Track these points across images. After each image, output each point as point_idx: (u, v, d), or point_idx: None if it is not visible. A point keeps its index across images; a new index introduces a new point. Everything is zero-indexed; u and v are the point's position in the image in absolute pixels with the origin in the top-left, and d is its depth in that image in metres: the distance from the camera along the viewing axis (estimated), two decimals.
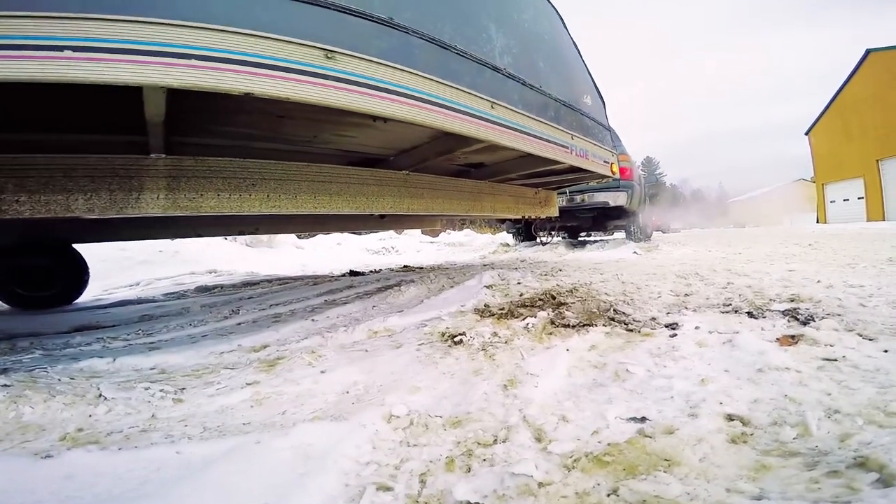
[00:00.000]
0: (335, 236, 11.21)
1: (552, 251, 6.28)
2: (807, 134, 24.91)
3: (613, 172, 3.63)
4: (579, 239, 8.05)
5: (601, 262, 4.19)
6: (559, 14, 3.38)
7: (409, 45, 1.94)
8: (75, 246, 4.02)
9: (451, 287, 2.74)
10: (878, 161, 19.64)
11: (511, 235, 8.64)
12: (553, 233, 7.70)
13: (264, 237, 9.02)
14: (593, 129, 3.42)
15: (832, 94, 22.60)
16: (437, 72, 2.03)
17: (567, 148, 2.95)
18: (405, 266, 5.86)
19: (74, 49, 1.25)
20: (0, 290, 3.49)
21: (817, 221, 23.74)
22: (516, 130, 2.49)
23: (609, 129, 3.77)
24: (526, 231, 8.12)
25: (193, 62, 1.38)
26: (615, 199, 5.41)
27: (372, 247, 9.93)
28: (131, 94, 1.43)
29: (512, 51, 2.62)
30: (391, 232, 11.56)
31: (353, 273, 5.14)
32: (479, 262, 5.52)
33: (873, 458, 0.74)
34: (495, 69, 2.43)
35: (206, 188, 2.10)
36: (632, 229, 6.12)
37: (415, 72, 1.91)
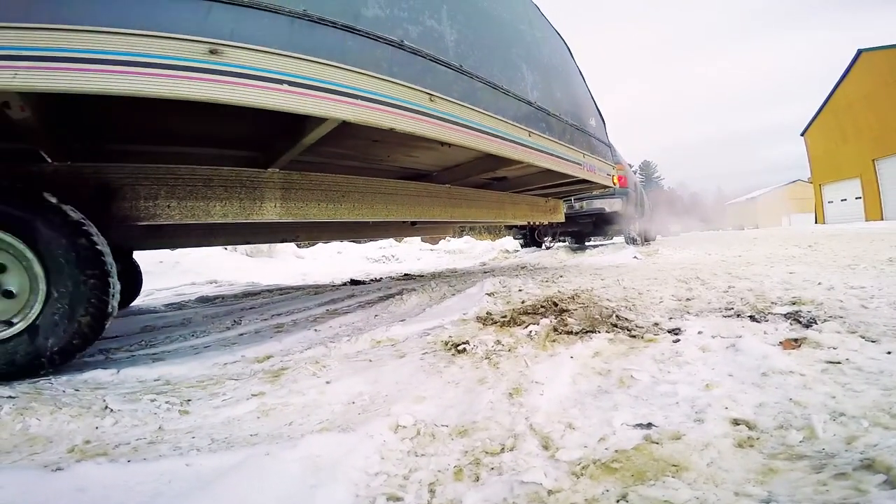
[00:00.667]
0: (335, 245, 11.22)
1: (552, 257, 6.29)
2: (802, 135, 25.03)
3: (614, 183, 4.19)
4: (579, 245, 8.29)
5: (602, 267, 4.20)
6: (568, 47, 3.94)
7: (474, 88, 2.48)
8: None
9: (453, 295, 2.75)
10: (874, 161, 19.72)
11: (518, 241, 9.09)
12: (560, 238, 8.12)
13: (264, 247, 9.04)
14: (598, 147, 3.96)
15: (826, 94, 22.75)
16: (491, 108, 2.55)
17: (580, 165, 3.52)
18: (406, 274, 5.87)
19: (288, 83, 1.67)
20: None
21: (816, 222, 23.78)
22: (545, 152, 3.03)
23: (609, 145, 4.28)
24: (531, 237, 8.52)
25: (365, 103, 1.87)
26: (611, 205, 5.87)
27: (372, 255, 9.93)
28: (273, 117, 1.79)
29: (539, 86, 3.15)
30: (391, 240, 11.67)
31: (353, 282, 5.15)
32: (479, 269, 5.53)
33: (880, 459, 0.74)
34: (528, 103, 2.97)
35: (309, 199, 2.53)
36: (629, 233, 6.46)
37: (482, 111, 2.48)
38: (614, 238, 7.85)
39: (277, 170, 2.41)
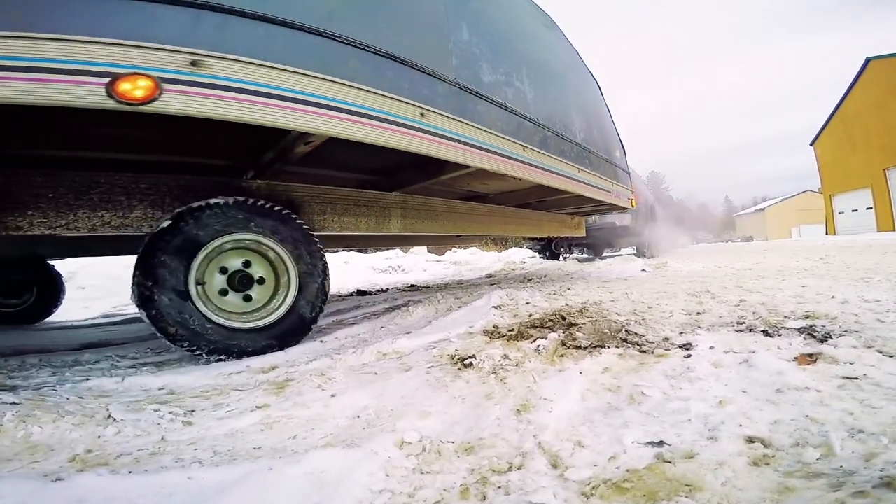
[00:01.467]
0: (342, 255, 11.25)
1: (560, 270, 6.25)
2: (812, 144, 24.86)
3: (633, 205, 4.87)
4: (597, 256, 8.66)
5: (610, 279, 4.17)
6: (598, 84, 4.60)
7: (546, 137, 3.22)
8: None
9: (460, 307, 2.73)
10: (884, 170, 19.49)
11: (535, 252, 9.84)
12: (575, 249, 8.90)
13: None
14: (621, 175, 4.67)
15: (835, 103, 22.62)
16: (555, 151, 3.27)
17: (610, 192, 4.25)
18: (412, 285, 5.87)
19: (458, 141, 2.41)
20: None
21: (826, 233, 23.46)
22: (587, 184, 3.75)
23: (628, 171, 4.93)
24: (549, 249, 9.19)
25: (492, 155, 2.64)
26: (621, 220, 6.45)
27: (379, 265, 9.94)
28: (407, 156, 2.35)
29: (583, 128, 3.85)
30: (397, 250, 11.91)
31: (360, 292, 5.15)
32: (486, 281, 5.51)
33: None
34: (577, 144, 3.66)
35: (417, 217, 3.23)
36: (639, 246, 6.96)
37: (553, 156, 3.25)
38: (622, 250, 8.04)
39: (398, 193, 3.14)
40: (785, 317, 1.95)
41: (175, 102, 1.53)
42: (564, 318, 2.11)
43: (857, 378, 1.19)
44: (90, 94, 1.40)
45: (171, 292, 1.88)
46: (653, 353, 1.56)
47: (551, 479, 0.85)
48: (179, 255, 1.90)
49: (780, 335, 1.67)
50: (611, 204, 4.41)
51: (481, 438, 1.04)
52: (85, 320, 4.15)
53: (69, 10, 1.41)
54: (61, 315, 4.43)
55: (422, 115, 2.24)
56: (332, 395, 1.41)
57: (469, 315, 2.43)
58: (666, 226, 9.90)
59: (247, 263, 2.14)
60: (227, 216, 2.00)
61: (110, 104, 1.43)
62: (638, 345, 1.68)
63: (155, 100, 1.49)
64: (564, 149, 3.44)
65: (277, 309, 2.14)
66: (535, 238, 8.40)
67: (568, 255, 8.96)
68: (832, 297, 2.27)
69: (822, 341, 1.55)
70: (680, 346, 1.62)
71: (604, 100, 4.62)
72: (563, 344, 1.72)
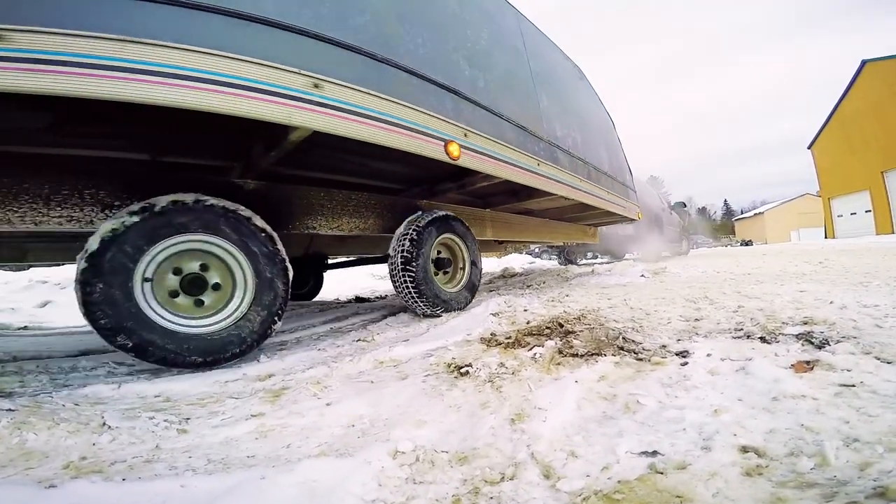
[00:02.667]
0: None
1: (560, 275, 6.25)
2: (809, 148, 24.87)
3: (639, 217, 5.88)
4: (581, 263, 9.31)
5: (609, 286, 4.16)
6: (612, 119, 5.65)
7: (589, 169, 4.32)
8: None
9: (457, 315, 2.73)
10: (882, 173, 19.49)
11: (555, 257, 11.03)
12: (589, 254, 9.99)
13: None
14: (630, 193, 5.77)
15: (832, 106, 22.66)
16: (593, 177, 4.38)
17: (625, 207, 5.32)
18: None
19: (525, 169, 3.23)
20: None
21: (825, 237, 23.44)
22: (612, 202, 4.87)
23: (634, 189, 5.98)
24: (564, 255, 10.10)
25: (566, 187, 3.76)
26: (624, 230, 7.24)
27: (378, 272, 9.93)
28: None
29: (607, 158, 4.97)
30: None
31: (359, 299, 5.14)
32: (485, 288, 5.50)
33: (894, 487, 0.72)
34: (605, 173, 4.80)
35: (499, 227, 4.30)
36: (643, 252, 7.64)
37: (594, 183, 4.39)
38: (625, 256, 8.39)
39: (488, 210, 4.24)
40: (783, 323, 1.95)
41: (469, 161, 2.59)
42: (562, 326, 2.10)
43: (854, 385, 1.18)
44: (437, 150, 2.38)
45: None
46: (649, 360, 1.56)
47: (543, 490, 0.84)
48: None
49: (777, 342, 1.67)
50: (623, 216, 5.41)
51: (475, 448, 1.03)
52: (84, 326, 4.14)
53: (434, 96, 2.45)
54: (59, 321, 4.43)
55: (537, 164, 3.35)
56: (328, 404, 1.41)
57: (467, 322, 2.43)
58: (670, 232, 9.95)
59: (440, 253, 3.18)
60: (441, 222, 3.03)
61: (445, 158, 2.42)
62: (635, 352, 1.67)
63: (459, 158, 2.48)
64: (599, 176, 4.59)
65: (460, 281, 3.26)
66: (553, 246, 9.68)
67: (580, 260, 9.76)
68: (830, 303, 2.26)
69: (819, 348, 1.54)
70: (677, 354, 1.61)
71: (616, 131, 5.70)
72: (560, 352, 1.72)
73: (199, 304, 2.00)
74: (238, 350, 1.98)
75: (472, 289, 3.22)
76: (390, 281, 2.84)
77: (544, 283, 5.21)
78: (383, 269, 9.72)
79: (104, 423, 1.26)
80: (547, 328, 2.09)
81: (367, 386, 1.56)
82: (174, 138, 2.23)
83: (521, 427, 1.12)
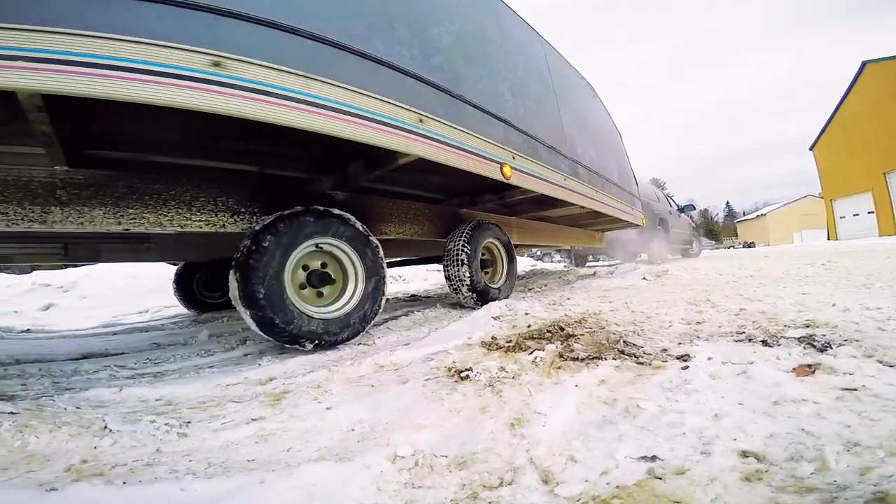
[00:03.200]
0: None
1: (561, 278, 6.24)
2: (811, 149, 24.79)
3: (643, 223, 6.39)
4: (619, 262, 9.44)
5: (610, 289, 4.15)
6: (619, 132, 6.07)
7: (602, 181, 4.73)
8: None
9: (459, 318, 2.73)
10: (884, 174, 19.41)
11: (566, 259, 11.65)
12: (600, 257, 10.36)
13: None
14: (636, 201, 6.17)
15: (833, 107, 22.58)
16: (604, 188, 4.79)
17: (631, 214, 5.71)
18: (413, 295, 5.86)
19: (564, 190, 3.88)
20: None
21: (828, 238, 23.32)
22: (621, 210, 5.29)
23: (639, 197, 6.43)
24: (574, 257, 10.66)
25: (586, 198, 4.28)
26: (627, 234, 7.51)
27: None
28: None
29: (616, 170, 5.42)
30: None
31: None
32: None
33: (894, 492, 0.71)
34: (615, 184, 5.21)
35: (522, 232, 4.78)
36: (650, 253, 8.03)
37: (605, 193, 4.74)
38: (637, 257, 8.83)
39: (514, 217, 4.69)
40: (785, 326, 1.94)
41: (516, 179, 3.00)
42: (563, 329, 2.10)
43: (855, 389, 1.18)
44: (494, 171, 2.78)
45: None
46: (650, 364, 1.55)
47: (541, 495, 0.84)
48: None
49: (779, 345, 1.66)
50: (630, 223, 5.86)
51: (474, 453, 1.03)
52: (85, 329, 4.16)
53: (490, 126, 2.84)
54: (62, 324, 4.45)
55: (564, 179, 3.76)
56: (328, 408, 1.41)
57: (468, 326, 2.43)
58: (680, 234, 10.18)
59: (483, 255, 3.58)
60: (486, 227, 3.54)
61: (500, 177, 2.82)
62: (635, 356, 1.67)
63: (510, 177, 2.90)
64: (610, 187, 5.00)
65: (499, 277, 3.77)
66: (563, 249, 10.87)
67: (591, 260, 10.21)
68: (833, 305, 2.25)
69: (821, 351, 1.54)
70: (678, 358, 1.60)
71: (623, 143, 6.13)
72: (561, 356, 1.71)
73: (320, 295, 2.42)
74: (351, 332, 2.35)
75: (510, 285, 3.75)
76: (444, 277, 3.29)
77: (546, 285, 5.21)
78: None
79: (105, 427, 1.26)
80: (548, 332, 2.09)
81: (368, 390, 1.56)
82: (286, 155, 2.65)
83: (520, 432, 1.12)
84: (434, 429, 1.18)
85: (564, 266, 11.00)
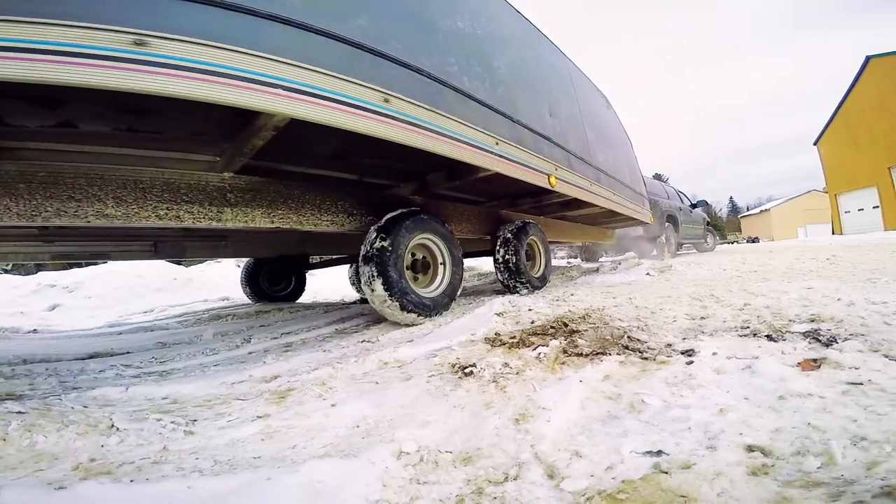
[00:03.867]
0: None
1: (564, 274, 6.23)
2: (815, 144, 24.62)
3: (651, 221, 6.75)
4: (603, 260, 9.69)
5: (614, 284, 4.14)
6: (629, 138, 6.55)
7: (619, 183, 5.23)
8: None
9: (462, 314, 2.73)
10: (889, 169, 19.27)
11: (578, 254, 11.60)
12: (611, 252, 10.34)
13: None
14: (645, 200, 6.60)
15: (837, 102, 22.42)
16: (620, 191, 5.24)
17: (641, 213, 6.17)
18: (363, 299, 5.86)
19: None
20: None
21: (832, 233, 23.18)
22: (633, 209, 5.75)
23: (647, 196, 6.78)
24: (585, 253, 10.91)
25: (607, 200, 4.93)
26: (635, 231, 7.82)
27: None
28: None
29: (628, 173, 5.91)
30: None
31: (363, 300, 5.15)
32: (490, 287, 5.49)
33: None
34: (629, 186, 5.74)
35: (555, 231, 5.34)
36: (657, 248, 8.32)
37: (622, 196, 5.30)
38: (651, 253, 8.96)
39: (542, 216, 5.00)
40: (790, 320, 1.93)
41: (560, 187, 3.56)
42: (566, 325, 2.10)
43: (861, 384, 1.17)
44: (544, 180, 3.34)
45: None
46: (654, 359, 1.55)
47: (547, 490, 0.84)
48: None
49: (784, 339, 1.65)
50: (640, 221, 6.32)
51: (479, 448, 1.03)
52: (91, 329, 4.18)
53: (539, 143, 3.40)
54: (68, 324, 4.47)
55: (590, 184, 4.32)
56: (333, 405, 1.41)
57: (471, 322, 2.43)
58: (695, 230, 10.41)
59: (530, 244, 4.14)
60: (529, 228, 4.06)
61: (548, 187, 3.40)
62: (640, 351, 1.66)
63: (555, 185, 3.46)
64: (624, 189, 5.48)
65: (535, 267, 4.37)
66: (570, 246, 11.29)
67: (603, 256, 10.39)
68: (838, 300, 2.24)
69: (827, 345, 1.53)
70: (682, 353, 1.60)
71: (633, 149, 6.65)
72: (565, 351, 1.71)
73: (415, 279, 2.99)
74: (442, 308, 2.91)
75: (545, 276, 4.32)
76: (496, 268, 3.86)
77: (550, 282, 5.20)
78: None
79: (112, 425, 1.27)
80: (551, 328, 2.08)
81: (372, 387, 1.57)
82: (387, 167, 3.16)
83: (525, 427, 1.12)
84: (438, 425, 1.18)
85: (567, 262, 11.06)
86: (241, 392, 1.67)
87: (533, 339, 1.91)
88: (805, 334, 1.68)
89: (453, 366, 1.67)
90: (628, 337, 1.85)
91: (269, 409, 1.42)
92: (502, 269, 3.76)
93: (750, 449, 0.91)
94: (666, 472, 0.84)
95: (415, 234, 2.78)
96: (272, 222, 2.42)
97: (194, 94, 1.46)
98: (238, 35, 1.57)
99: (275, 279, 4.99)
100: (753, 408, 1.10)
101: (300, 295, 5.21)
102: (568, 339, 1.84)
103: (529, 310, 2.59)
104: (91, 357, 2.67)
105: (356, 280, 5.00)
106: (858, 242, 8.85)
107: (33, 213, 1.82)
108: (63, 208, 1.87)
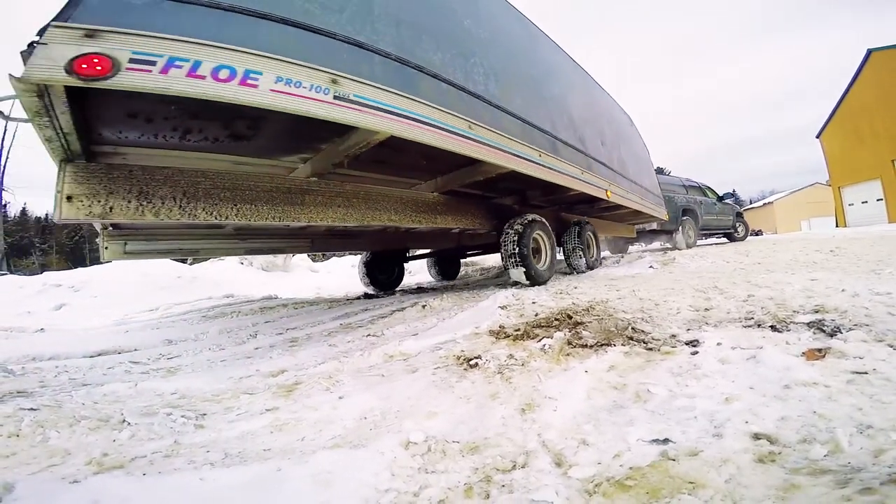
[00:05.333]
0: (349, 259, 11.32)
1: (567, 268, 6.23)
2: (818, 137, 24.43)
3: (666, 218, 7.85)
4: (630, 252, 10.62)
5: (617, 277, 4.14)
6: (647, 148, 7.84)
7: (644, 190, 6.64)
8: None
9: (466, 308, 2.74)
10: (893, 161, 19.12)
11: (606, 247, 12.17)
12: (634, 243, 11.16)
13: (279, 261, 9.17)
14: (660, 199, 7.71)
15: (840, 95, 22.21)
16: (644, 196, 6.58)
17: (658, 211, 7.26)
18: (419, 287, 5.88)
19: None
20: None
21: (836, 225, 23.04)
22: (653, 209, 6.92)
23: (662, 197, 7.93)
24: (612, 244, 11.64)
25: (638, 204, 6.48)
26: (650, 226, 8.80)
27: None
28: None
29: (647, 179, 7.14)
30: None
31: (367, 296, 5.17)
32: (493, 282, 5.50)
33: None
34: (649, 190, 6.98)
35: (602, 228, 6.66)
36: (675, 240, 9.13)
37: (643, 199, 6.57)
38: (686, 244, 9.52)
39: (585, 217, 5.74)
40: (794, 311, 1.93)
41: (613, 198, 4.95)
42: (571, 317, 2.10)
43: (866, 373, 1.17)
44: (603, 193, 4.73)
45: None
46: (659, 350, 1.55)
47: (555, 478, 0.85)
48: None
49: (788, 330, 1.66)
50: (657, 218, 7.52)
51: (486, 438, 1.04)
52: (98, 328, 4.21)
53: (599, 166, 4.86)
54: (74, 323, 4.50)
55: (627, 192, 5.59)
56: (340, 397, 1.42)
57: (475, 316, 2.43)
58: (725, 221, 11.07)
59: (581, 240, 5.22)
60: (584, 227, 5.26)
61: (605, 197, 4.75)
62: (644, 342, 1.67)
63: (611, 196, 4.87)
64: (646, 193, 6.73)
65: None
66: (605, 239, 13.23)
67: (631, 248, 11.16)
68: (842, 291, 2.24)
69: (831, 335, 1.53)
70: (687, 343, 1.60)
71: (650, 157, 7.91)
72: (570, 343, 1.72)
73: (534, 258, 3.98)
74: (546, 278, 4.02)
75: (598, 260, 5.60)
76: (565, 256, 5.00)
77: (600, 265, 5.25)
78: None
79: (124, 420, 1.29)
80: (556, 320, 2.09)
81: (378, 379, 1.58)
82: (506, 187, 4.28)
83: (531, 416, 1.13)
84: (445, 415, 1.19)
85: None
86: (249, 386, 1.68)
87: (538, 331, 1.92)
88: (809, 325, 1.69)
89: (458, 358, 1.67)
90: (632, 328, 1.86)
91: (278, 403, 1.43)
92: (571, 253, 5.00)
93: (756, 437, 0.91)
94: (673, 460, 0.85)
95: (534, 231, 3.99)
96: (455, 224, 3.63)
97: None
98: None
99: (384, 269, 6.08)
100: (759, 397, 1.11)
101: (400, 282, 6.34)
102: (572, 331, 1.85)
103: (533, 303, 2.60)
104: (99, 354, 2.69)
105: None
106: (862, 235, 8.81)
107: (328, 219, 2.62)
108: (360, 217, 2.78)
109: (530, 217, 3.96)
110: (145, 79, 1.45)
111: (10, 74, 1.36)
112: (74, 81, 1.36)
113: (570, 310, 2.27)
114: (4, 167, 19.32)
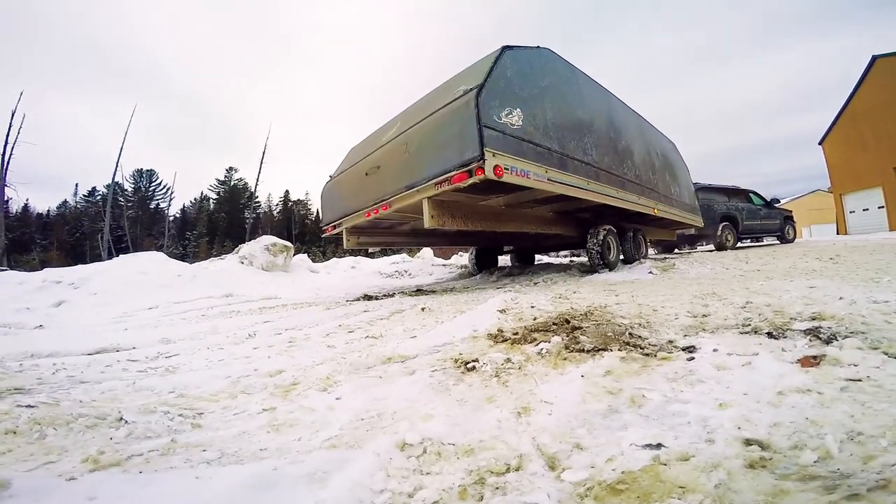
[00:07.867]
0: (349, 260, 11.34)
1: (566, 272, 6.24)
2: (820, 144, 24.45)
3: (701, 225, 9.37)
4: (681, 252, 12.24)
5: (617, 282, 4.15)
6: (688, 169, 9.53)
7: (691, 206, 9.20)
8: None
9: (465, 311, 2.75)
10: (894, 169, 19.13)
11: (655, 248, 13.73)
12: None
13: (279, 261, 9.18)
14: (697, 210, 9.27)
15: (843, 101, 22.21)
16: (686, 210, 8.73)
17: (696, 220, 9.17)
18: (418, 289, 5.89)
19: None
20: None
21: (837, 233, 23.03)
22: (693, 220, 8.99)
23: (699, 207, 9.43)
24: (660, 245, 13.17)
25: (688, 218, 9.38)
26: (687, 230, 10.12)
27: (385, 270, 9.98)
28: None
29: (688, 194, 9.06)
30: (404, 255, 12.36)
31: (366, 297, 5.18)
32: (492, 286, 5.52)
33: None
34: (689, 204, 9.06)
35: (651, 233, 9.37)
36: (715, 243, 10.55)
37: (688, 212, 8.96)
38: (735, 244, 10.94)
39: (634, 224, 7.61)
40: (791, 318, 1.93)
41: (658, 212, 7.11)
42: (568, 322, 2.11)
43: (860, 380, 1.18)
44: (651, 210, 6.93)
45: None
46: (656, 356, 1.56)
47: (547, 481, 0.86)
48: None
49: (785, 337, 1.66)
50: (695, 226, 9.15)
51: (481, 440, 1.05)
52: (97, 325, 4.22)
53: (652, 194, 7.28)
54: (74, 320, 4.51)
55: (670, 207, 7.74)
56: (337, 398, 1.43)
57: (474, 319, 2.44)
58: (772, 225, 12.19)
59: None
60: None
61: (652, 213, 6.95)
62: (641, 348, 1.67)
63: (657, 212, 7.11)
64: (688, 207, 8.56)
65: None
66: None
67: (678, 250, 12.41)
68: (840, 299, 2.24)
69: (827, 343, 1.54)
70: (683, 349, 1.61)
71: (689, 175, 9.45)
72: (567, 347, 1.72)
73: (608, 252, 6.02)
74: (614, 265, 5.98)
75: (644, 257, 7.20)
76: (623, 252, 6.56)
77: (552, 279, 5.22)
78: (391, 268, 9.72)
79: (121, 418, 1.29)
80: (553, 324, 2.10)
81: (376, 381, 1.59)
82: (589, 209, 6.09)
83: (526, 420, 1.14)
84: (441, 418, 1.20)
85: (569, 260, 11.42)
86: (247, 386, 1.68)
87: (535, 335, 1.93)
88: (806, 332, 1.69)
89: (456, 361, 1.68)
90: (630, 333, 1.86)
91: (275, 403, 1.44)
92: (628, 251, 6.52)
93: (748, 442, 0.92)
94: (665, 464, 0.86)
95: (608, 236, 5.92)
96: (559, 230, 6.12)
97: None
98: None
99: (487, 257, 8.55)
100: (752, 403, 1.11)
101: (496, 266, 8.63)
102: (570, 336, 1.86)
103: (532, 307, 2.61)
104: (98, 352, 2.70)
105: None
106: (863, 242, 8.81)
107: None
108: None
109: (606, 227, 5.98)
110: (509, 177, 3.72)
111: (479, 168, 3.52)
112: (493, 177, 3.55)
113: (569, 314, 2.28)
114: (8, 163, 19.39)
